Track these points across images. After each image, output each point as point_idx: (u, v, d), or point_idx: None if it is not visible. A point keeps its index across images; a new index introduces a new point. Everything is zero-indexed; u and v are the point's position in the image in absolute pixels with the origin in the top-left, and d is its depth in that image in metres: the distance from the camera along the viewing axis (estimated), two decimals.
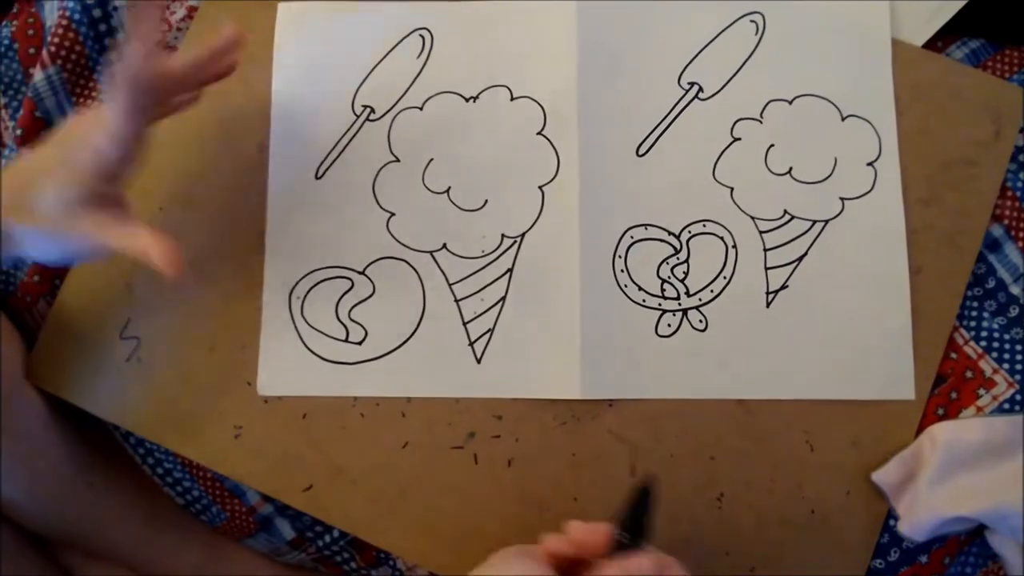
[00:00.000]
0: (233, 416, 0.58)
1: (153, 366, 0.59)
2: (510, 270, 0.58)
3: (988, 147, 0.60)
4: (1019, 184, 0.60)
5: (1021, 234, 0.59)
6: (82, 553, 0.63)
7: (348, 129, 0.60)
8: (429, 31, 0.61)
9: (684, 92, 0.60)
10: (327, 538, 0.61)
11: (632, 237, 0.58)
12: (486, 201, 0.59)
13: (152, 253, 0.49)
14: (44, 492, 0.59)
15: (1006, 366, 0.57)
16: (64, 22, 0.62)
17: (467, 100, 0.60)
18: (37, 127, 0.63)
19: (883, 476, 0.55)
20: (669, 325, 0.57)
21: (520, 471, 0.57)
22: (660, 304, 0.57)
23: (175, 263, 0.49)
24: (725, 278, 0.58)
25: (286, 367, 0.58)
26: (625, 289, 0.57)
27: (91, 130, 0.48)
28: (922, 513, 0.54)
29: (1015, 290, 0.58)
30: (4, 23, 0.65)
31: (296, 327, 0.58)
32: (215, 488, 0.61)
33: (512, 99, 0.60)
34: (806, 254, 0.58)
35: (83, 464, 0.61)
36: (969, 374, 0.57)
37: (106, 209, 0.49)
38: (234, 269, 0.57)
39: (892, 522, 0.56)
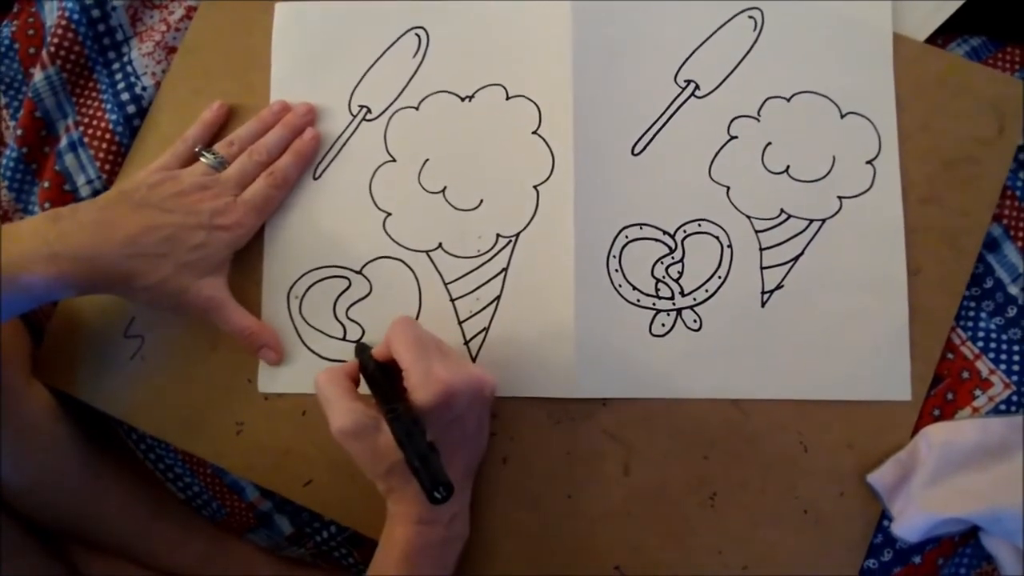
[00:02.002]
0: (234, 413, 0.59)
1: (156, 364, 0.60)
2: (505, 269, 0.58)
3: (991, 144, 0.59)
4: (1019, 183, 0.59)
5: (1020, 234, 0.58)
6: (86, 547, 0.64)
7: (345, 129, 0.61)
8: (425, 30, 0.61)
9: (680, 90, 0.59)
10: (324, 534, 0.62)
11: (627, 236, 0.58)
12: (481, 201, 0.59)
13: (261, 343, 0.57)
14: (50, 485, 0.61)
15: (1003, 367, 0.57)
16: (63, 22, 0.62)
17: (463, 99, 0.60)
18: (37, 127, 0.64)
19: (878, 478, 0.55)
20: (663, 325, 0.57)
21: (515, 469, 0.57)
22: (654, 304, 0.57)
23: (278, 355, 0.58)
24: (720, 278, 0.58)
25: (285, 365, 0.59)
26: (619, 289, 0.57)
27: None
28: (916, 514, 0.54)
29: (1013, 290, 0.58)
30: (4, 23, 0.66)
31: (295, 326, 0.59)
32: (215, 484, 0.62)
33: (507, 98, 0.60)
34: (802, 253, 0.58)
35: (89, 458, 0.62)
36: (966, 375, 0.57)
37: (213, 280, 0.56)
38: (233, 269, 0.58)
39: (886, 522, 0.56)
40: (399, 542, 0.50)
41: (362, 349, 0.54)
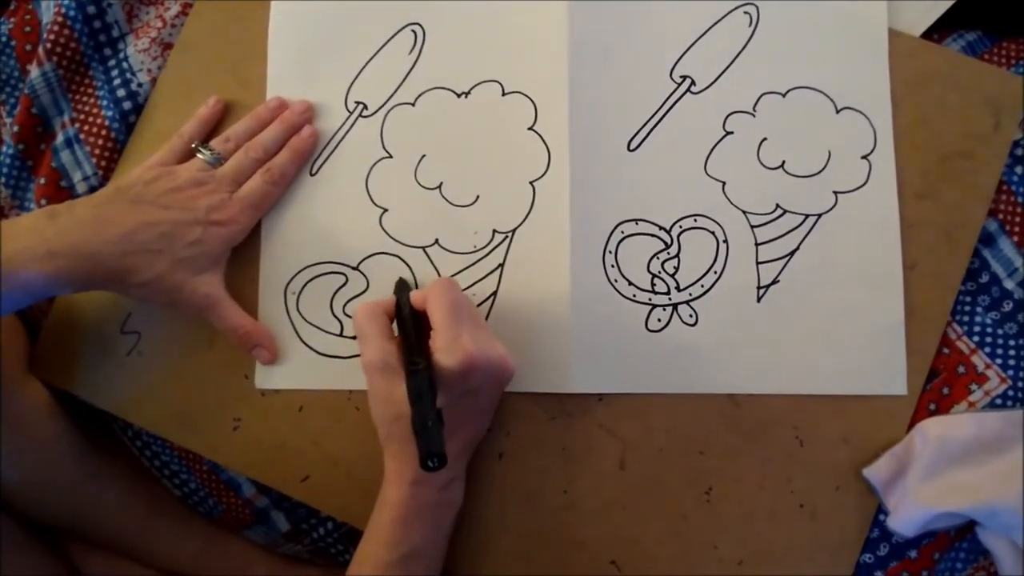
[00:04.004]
0: (231, 409, 0.59)
1: (153, 360, 0.60)
2: (501, 265, 0.58)
3: (987, 139, 0.59)
4: (1014, 178, 0.59)
5: (1016, 228, 0.58)
6: (84, 544, 0.64)
7: (341, 126, 0.61)
8: (421, 26, 0.61)
9: (676, 85, 0.59)
10: (321, 530, 0.62)
11: (623, 232, 0.58)
12: (478, 197, 0.59)
13: (255, 342, 0.57)
14: (47, 482, 0.61)
15: (999, 361, 0.57)
16: (59, 19, 0.63)
17: (459, 95, 0.60)
18: (33, 123, 0.64)
19: (874, 472, 0.55)
20: (659, 320, 0.57)
21: (511, 464, 0.57)
22: (650, 299, 0.57)
23: (272, 354, 0.58)
24: (716, 273, 0.58)
25: (282, 361, 0.59)
26: (615, 284, 0.57)
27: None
28: (912, 508, 0.54)
29: (1009, 285, 0.58)
30: (1, 20, 0.66)
31: (292, 322, 0.59)
32: (211, 480, 0.62)
33: (503, 94, 0.60)
34: (798, 248, 0.58)
35: (85, 455, 0.62)
36: (961, 369, 0.57)
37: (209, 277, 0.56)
38: (230, 265, 0.58)
39: (882, 517, 0.56)
40: (393, 503, 0.51)
41: (402, 288, 0.55)
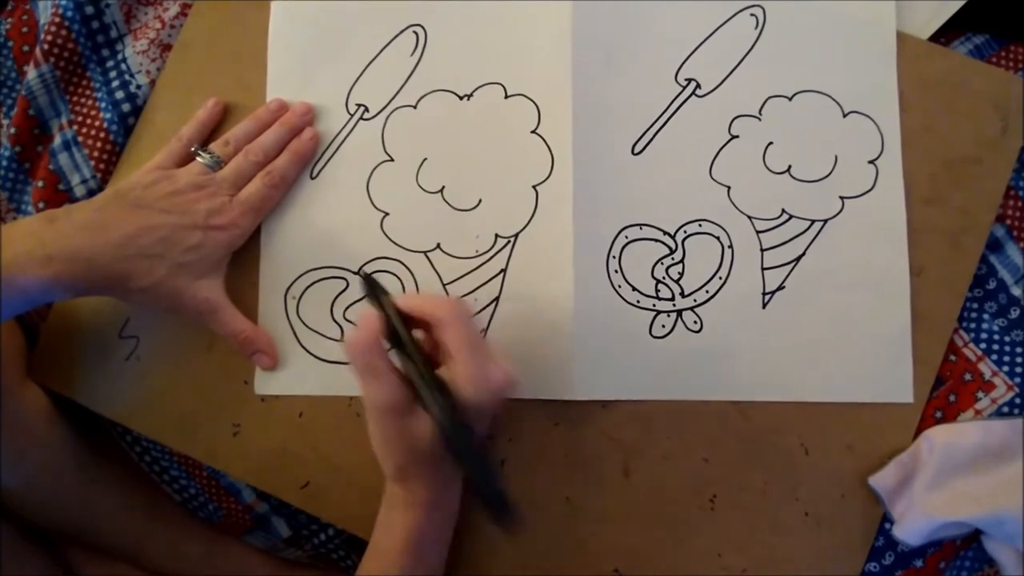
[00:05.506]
0: (231, 415, 0.59)
1: (152, 365, 0.59)
2: (504, 270, 0.58)
3: (995, 144, 0.58)
4: (1022, 183, 0.58)
5: (1023, 235, 0.58)
6: (84, 549, 0.64)
7: (342, 128, 0.60)
8: (423, 28, 0.60)
9: (681, 89, 0.59)
10: (322, 536, 0.62)
11: (627, 237, 0.57)
12: (480, 201, 0.58)
13: (255, 348, 0.57)
14: (46, 487, 0.60)
15: (1006, 368, 0.56)
16: (57, 20, 0.62)
17: (461, 98, 0.59)
18: (30, 125, 0.63)
19: (880, 480, 0.55)
20: (663, 326, 0.57)
21: (514, 471, 0.57)
22: (654, 305, 0.57)
23: (272, 360, 0.57)
24: (721, 279, 0.57)
25: (282, 366, 0.58)
26: (619, 289, 0.57)
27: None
28: (917, 517, 0.54)
29: (1016, 291, 0.57)
30: None
31: (292, 327, 0.59)
32: (211, 486, 0.62)
33: (506, 97, 0.59)
34: (804, 254, 0.57)
35: (84, 460, 0.62)
36: (968, 376, 0.56)
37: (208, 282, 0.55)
38: (230, 270, 0.57)
39: (887, 525, 0.56)
40: (407, 526, 0.49)
41: (373, 291, 0.49)
